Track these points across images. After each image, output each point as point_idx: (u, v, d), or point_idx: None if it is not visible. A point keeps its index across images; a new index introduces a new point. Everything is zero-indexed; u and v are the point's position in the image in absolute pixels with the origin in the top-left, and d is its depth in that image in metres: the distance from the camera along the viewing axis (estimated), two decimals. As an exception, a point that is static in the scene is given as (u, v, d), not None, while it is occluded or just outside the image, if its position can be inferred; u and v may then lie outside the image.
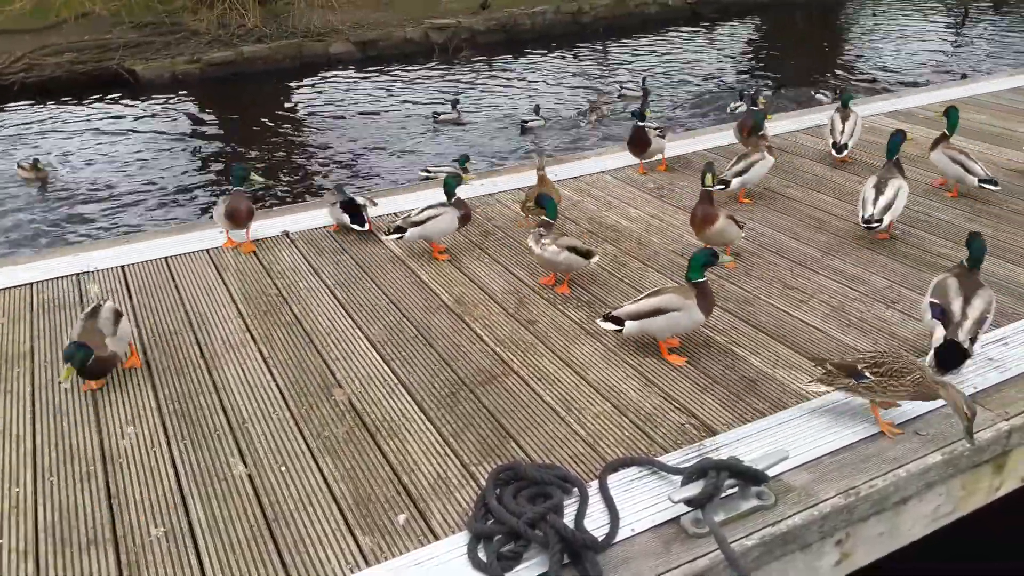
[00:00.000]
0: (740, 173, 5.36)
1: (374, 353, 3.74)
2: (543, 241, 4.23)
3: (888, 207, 4.72)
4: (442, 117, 11.15)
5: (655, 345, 3.74)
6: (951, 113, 5.59)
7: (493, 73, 13.96)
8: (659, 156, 6.12)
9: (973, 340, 3.48)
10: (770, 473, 2.82)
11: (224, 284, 4.43)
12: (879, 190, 4.77)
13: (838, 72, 13.49)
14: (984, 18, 17.09)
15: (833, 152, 6.02)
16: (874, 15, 17.52)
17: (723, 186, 5.25)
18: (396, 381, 3.53)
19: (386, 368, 3.63)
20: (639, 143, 5.90)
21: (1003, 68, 12.54)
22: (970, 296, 3.58)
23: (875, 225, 4.67)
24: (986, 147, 6.33)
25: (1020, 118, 7.04)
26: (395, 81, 13.51)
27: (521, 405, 3.37)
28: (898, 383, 3.03)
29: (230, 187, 4.86)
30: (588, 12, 16.61)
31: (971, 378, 3.43)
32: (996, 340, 3.68)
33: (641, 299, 3.72)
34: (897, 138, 4.99)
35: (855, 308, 4.07)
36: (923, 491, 3.04)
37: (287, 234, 5.04)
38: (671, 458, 3.03)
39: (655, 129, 6.01)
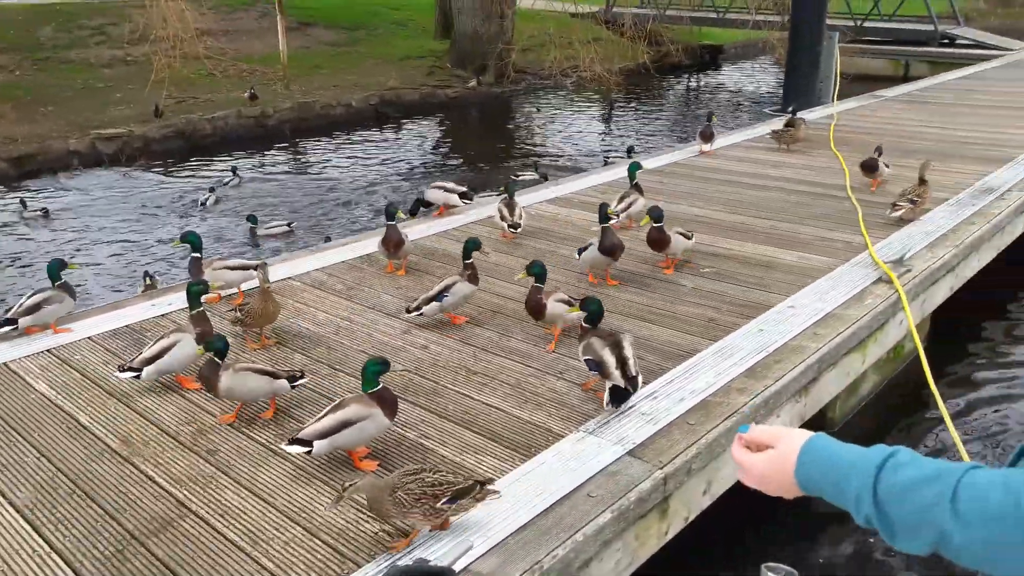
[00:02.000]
0: None
1: (20, 521, 3.24)
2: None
3: (625, 210, 6.71)
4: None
5: (347, 457, 3.68)
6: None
7: (173, 181, 13.28)
8: (410, 256, 6.19)
9: (633, 377, 3.94)
10: (457, 567, 2.86)
11: None
12: (621, 200, 6.84)
13: (510, 161, 14.75)
14: (626, 109, 19.85)
15: (508, 229, 6.63)
16: (538, 110, 19.54)
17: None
18: (48, 549, 3.08)
19: (34, 536, 3.16)
20: (393, 242, 5.92)
21: (650, 151, 14.55)
22: (614, 343, 4.06)
23: (612, 219, 5.86)
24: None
25: (651, 196, 8.15)
26: (59, 196, 12.31)
27: (201, 549, 3.10)
28: None
29: None
30: (272, 115, 16.56)
31: (630, 434, 3.81)
32: (647, 395, 4.14)
33: (325, 415, 3.63)
34: (633, 167, 7.19)
35: (530, 383, 4.36)
36: (601, 550, 3.28)
37: (-94, 393, 4.27)
38: (366, 572, 2.96)
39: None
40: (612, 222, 5.77)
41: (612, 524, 3.28)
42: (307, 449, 3.52)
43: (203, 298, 4.52)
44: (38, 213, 11.20)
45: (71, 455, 3.72)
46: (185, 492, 3.45)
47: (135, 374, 4.15)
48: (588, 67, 18.73)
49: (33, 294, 4.93)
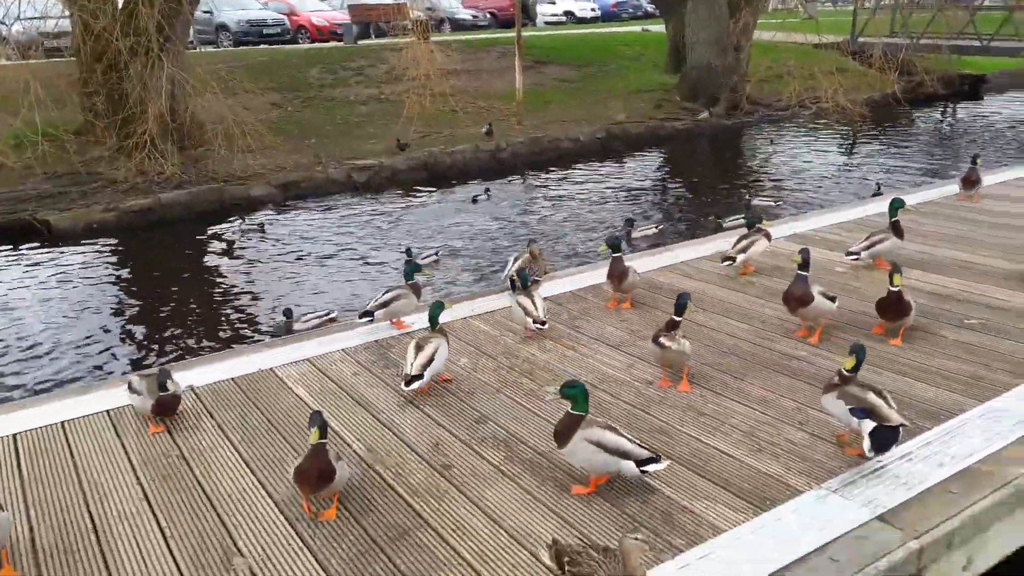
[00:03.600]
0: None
1: (278, 514, 3.57)
2: (677, 337, 4.58)
3: (868, 248, 6.46)
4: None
5: (572, 484, 3.68)
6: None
7: (415, 208, 14.26)
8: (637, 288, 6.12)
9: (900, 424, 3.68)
10: (688, 618, 2.74)
11: (124, 449, 4.22)
12: (868, 238, 6.53)
13: (742, 196, 14.25)
14: (872, 142, 18.50)
15: (721, 262, 6.52)
16: (772, 142, 18.76)
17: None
18: (301, 544, 3.36)
19: (291, 530, 3.46)
20: (617, 275, 5.87)
21: (896, 188, 13.45)
22: (877, 391, 3.77)
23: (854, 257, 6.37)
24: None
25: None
26: (319, 219, 13.65)
27: (435, 561, 3.23)
28: None
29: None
30: (505, 149, 17.32)
31: (881, 498, 3.47)
32: (901, 457, 3.76)
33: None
34: (895, 203, 6.49)
35: (765, 431, 4.11)
36: (845, 621, 3.00)
37: (192, 388, 4.88)
38: (590, 607, 2.92)
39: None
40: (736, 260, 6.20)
41: (858, 595, 2.99)
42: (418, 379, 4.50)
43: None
44: (255, 227, 12.78)
45: (323, 457, 4.05)
46: (421, 503, 3.61)
47: (420, 382, 4.51)
48: (830, 98, 17.66)
49: (387, 291, 5.68)
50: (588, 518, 3.47)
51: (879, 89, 20.07)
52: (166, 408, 4.42)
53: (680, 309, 4.69)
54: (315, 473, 3.44)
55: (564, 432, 3.58)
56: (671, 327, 4.66)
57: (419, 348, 4.61)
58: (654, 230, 11.05)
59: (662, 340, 4.62)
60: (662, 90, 22.14)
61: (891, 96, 19.73)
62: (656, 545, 3.25)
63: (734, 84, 20.28)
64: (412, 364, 4.54)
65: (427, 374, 4.54)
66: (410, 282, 5.68)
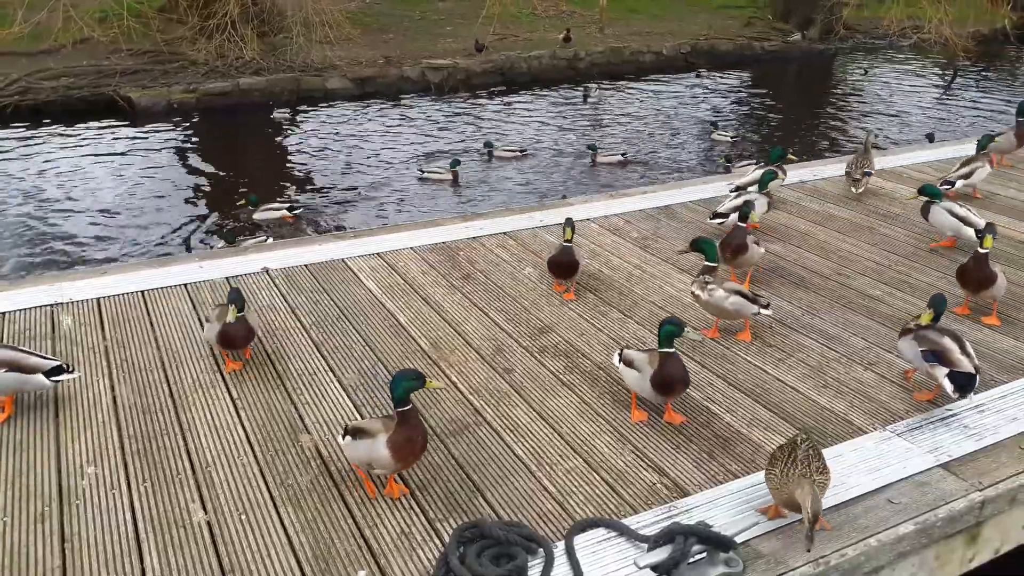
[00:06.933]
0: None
1: (345, 398, 3.69)
2: (709, 287, 4.18)
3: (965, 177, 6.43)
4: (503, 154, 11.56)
5: (630, 400, 3.71)
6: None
7: (488, 112, 14.09)
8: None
9: (977, 370, 3.59)
10: (739, 539, 2.77)
11: (199, 321, 4.38)
12: (963, 165, 6.49)
13: (829, 127, 13.67)
14: (972, 80, 17.40)
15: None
16: (865, 73, 17.81)
17: (721, 219, 5.62)
18: (366, 428, 3.47)
19: (356, 415, 3.57)
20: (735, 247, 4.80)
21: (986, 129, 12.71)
22: (954, 336, 3.70)
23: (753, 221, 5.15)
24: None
25: (999, 181, 7.10)
26: (391, 117, 13.62)
27: (492, 458, 3.32)
28: (768, 474, 2.85)
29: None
30: (583, 59, 16.85)
31: (946, 446, 3.41)
32: (972, 407, 3.66)
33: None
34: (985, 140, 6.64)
35: (832, 369, 4.05)
36: (895, 561, 2.99)
37: (267, 271, 5.01)
38: (641, 518, 2.98)
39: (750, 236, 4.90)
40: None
41: (913, 537, 2.98)
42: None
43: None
44: (285, 116, 13.41)
45: (390, 349, 4.15)
46: (481, 402, 3.69)
47: (721, 220, 5.51)
48: (934, 29, 16.57)
49: (735, 198, 5.72)
50: (643, 434, 3.50)
51: (989, 22, 18.73)
52: (231, 341, 3.79)
53: (711, 253, 4.23)
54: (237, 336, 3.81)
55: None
56: (705, 271, 4.25)
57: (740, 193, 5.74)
58: (618, 157, 11.28)
59: (693, 289, 4.25)
60: (753, 7, 21.12)
61: (1000, 31, 18.42)
62: (710, 468, 3.27)
63: (831, 5, 19.17)
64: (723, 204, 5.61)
65: (732, 215, 5.31)
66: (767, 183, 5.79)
